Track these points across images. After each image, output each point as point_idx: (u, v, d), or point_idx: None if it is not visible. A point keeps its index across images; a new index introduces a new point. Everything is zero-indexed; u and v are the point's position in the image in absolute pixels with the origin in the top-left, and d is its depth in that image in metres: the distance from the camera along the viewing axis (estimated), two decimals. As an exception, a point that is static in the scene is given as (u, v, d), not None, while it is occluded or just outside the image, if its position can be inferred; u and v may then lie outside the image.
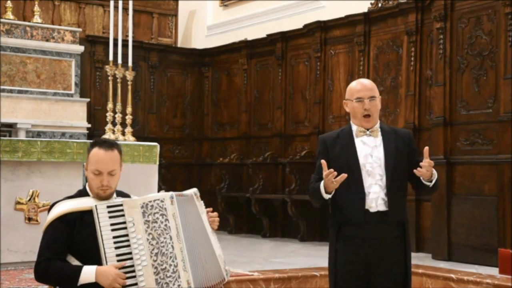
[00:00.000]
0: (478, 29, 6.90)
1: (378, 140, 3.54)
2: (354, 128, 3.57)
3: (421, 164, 3.40)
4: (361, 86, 3.56)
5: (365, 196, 3.45)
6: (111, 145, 3.24)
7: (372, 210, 3.45)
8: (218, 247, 3.34)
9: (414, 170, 3.41)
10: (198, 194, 3.38)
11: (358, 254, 3.46)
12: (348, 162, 3.45)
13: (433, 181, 3.47)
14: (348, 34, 8.74)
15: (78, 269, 3.07)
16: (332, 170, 3.32)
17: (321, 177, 3.46)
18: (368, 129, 3.55)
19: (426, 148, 3.45)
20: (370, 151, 3.51)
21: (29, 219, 5.89)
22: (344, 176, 3.32)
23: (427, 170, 3.39)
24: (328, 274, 3.64)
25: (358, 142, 3.53)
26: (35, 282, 4.93)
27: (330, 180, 3.32)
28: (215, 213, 3.42)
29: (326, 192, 3.41)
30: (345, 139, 3.55)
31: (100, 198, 3.20)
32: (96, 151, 3.20)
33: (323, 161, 3.37)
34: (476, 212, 6.76)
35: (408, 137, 3.64)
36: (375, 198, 3.46)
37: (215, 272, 3.29)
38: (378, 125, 3.58)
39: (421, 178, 3.46)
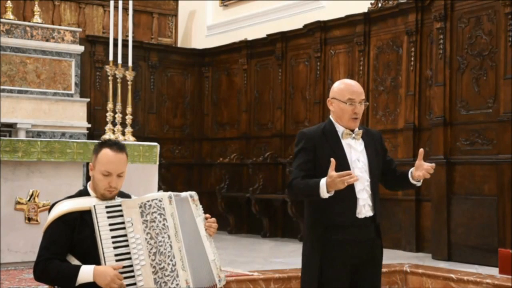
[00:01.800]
0: (478, 29, 6.90)
1: (362, 144, 3.50)
2: (340, 129, 3.49)
3: (426, 166, 3.40)
4: (354, 88, 3.48)
5: (357, 202, 3.42)
6: (121, 147, 3.25)
7: (360, 216, 3.43)
8: (213, 252, 3.31)
9: (416, 173, 3.41)
10: (196, 197, 3.35)
11: (347, 258, 3.44)
12: (340, 167, 3.32)
13: (421, 181, 3.50)
14: (348, 34, 8.73)
15: (76, 269, 3.08)
16: (350, 172, 3.23)
17: (309, 173, 3.38)
18: (353, 131, 3.49)
19: (421, 150, 3.45)
20: (358, 156, 3.47)
21: (29, 219, 5.89)
22: (357, 178, 3.25)
23: (429, 172, 3.41)
24: (305, 278, 3.53)
25: (344, 145, 3.47)
26: (35, 282, 4.94)
27: (343, 181, 3.20)
28: (213, 219, 3.39)
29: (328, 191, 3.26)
30: (333, 141, 3.46)
31: (105, 198, 3.21)
32: (106, 152, 3.20)
33: (333, 160, 3.26)
34: (476, 212, 6.76)
35: (381, 137, 3.65)
36: (363, 204, 3.44)
37: (206, 276, 3.26)
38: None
39: (410, 178, 3.48)
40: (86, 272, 3.06)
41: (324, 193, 3.28)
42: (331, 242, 3.42)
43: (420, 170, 3.43)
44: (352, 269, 3.47)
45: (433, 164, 3.45)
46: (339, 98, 3.47)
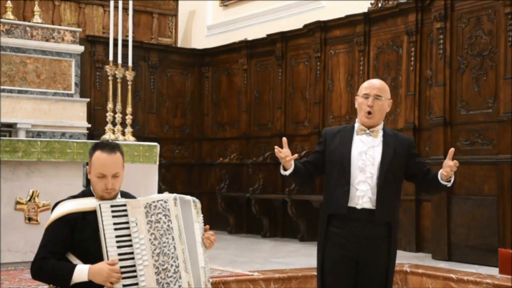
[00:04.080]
0: (478, 29, 6.90)
1: (377, 141, 3.60)
2: (356, 125, 3.64)
3: (447, 164, 3.44)
4: (370, 84, 3.66)
5: (350, 188, 3.52)
6: (113, 147, 3.23)
7: (358, 207, 3.52)
8: (204, 260, 3.29)
9: (442, 171, 3.45)
10: (199, 205, 3.35)
11: (344, 250, 3.53)
12: (341, 157, 3.55)
13: (451, 181, 3.53)
14: (348, 34, 8.73)
15: (71, 268, 3.09)
16: (277, 147, 3.48)
17: (309, 161, 3.66)
18: (369, 128, 3.58)
19: (451, 150, 3.50)
20: (366, 149, 3.57)
21: (29, 219, 5.89)
22: (294, 156, 3.50)
23: (451, 170, 3.45)
24: (316, 269, 3.71)
25: (356, 139, 3.60)
26: (35, 282, 4.94)
27: (278, 156, 3.48)
28: (212, 232, 3.38)
29: (284, 169, 3.56)
30: (345, 135, 3.63)
31: (104, 199, 3.21)
32: (98, 154, 3.20)
33: (284, 139, 3.54)
34: (476, 212, 6.76)
35: (409, 142, 3.70)
36: (362, 195, 3.52)
37: (196, 281, 3.26)
38: (381, 126, 3.64)
39: (439, 178, 3.51)
40: (81, 272, 3.07)
41: (282, 171, 3.58)
42: (332, 235, 3.57)
43: (445, 169, 3.48)
44: (354, 264, 3.54)
45: (456, 161, 3.47)
46: (358, 93, 3.67)
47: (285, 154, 3.47)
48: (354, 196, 3.52)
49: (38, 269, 3.13)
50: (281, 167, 3.55)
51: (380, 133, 3.61)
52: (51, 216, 3.21)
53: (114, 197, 3.24)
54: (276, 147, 3.50)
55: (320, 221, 3.67)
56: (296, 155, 3.53)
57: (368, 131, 3.59)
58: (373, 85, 3.63)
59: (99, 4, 10.82)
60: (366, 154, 3.55)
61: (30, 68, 9.19)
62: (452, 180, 3.54)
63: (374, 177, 3.52)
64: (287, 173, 3.54)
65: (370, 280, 3.55)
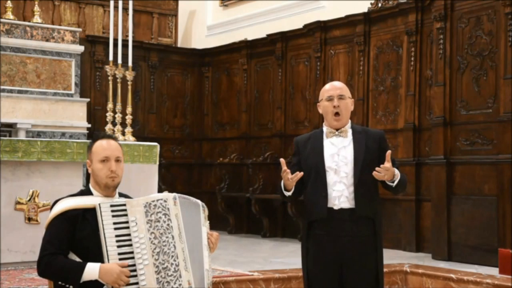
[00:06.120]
0: (478, 29, 6.90)
1: (347, 140, 3.62)
2: (325, 129, 3.66)
3: (376, 168, 3.45)
4: (331, 86, 3.71)
5: (328, 193, 3.53)
6: (111, 136, 3.39)
7: (335, 207, 3.53)
8: (208, 263, 3.30)
9: (373, 173, 3.45)
10: (207, 211, 3.39)
11: (328, 252, 3.54)
12: (315, 162, 3.57)
13: (395, 182, 3.51)
14: (348, 34, 8.74)
15: (82, 265, 3.09)
16: (285, 168, 3.48)
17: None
18: (337, 130, 3.62)
19: (388, 152, 3.49)
20: (337, 151, 3.59)
21: (29, 219, 5.89)
22: (298, 175, 3.48)
23: (384, 173, 3.45)
24: (302, 274, 3.72)
25: (327, 143, 3.62)
26: (35, 282, 4.95)
27: (285, 178, 3.49)
28: (216, 234, 3.40)
29: (286, 190, 3.59)
30: (315, 141, 3.65)
31: (108, 191, 3.24)
32: (99, 142, 3.30)
33: (281, 160, 3.54)
34: (476, 212, 6.76)
35: (379, 136, 3.69)
36: (338, 196, 3.54)
37: (199, 282, 3.27)
38: (348, 125, 3.66)
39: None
40: (92, 269, 3.07)
41: (285, 192, 3.62)
42: (314, 237, 3.59)
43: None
44: (338, 265, 3.54)
45: (385, 166, 3.45)
46: (321, 98, 3.70)
47: (290, 176, 3.49)
48: (331, 198, 3.54)
49: (47, 266, 3.11)
50: (283, 188, 3.59)
51: (349, 132, 3.63)
52: (52, 212, 3.21)
53: (117, 185, 3.27)
54: (283, 170, 3.49)
55: (303, 227, 3.70)
56: (301, 173, 3.52)
57: (337, 133, 3.62)
58: (335, 86, 3.69)
59: (99, 4, 10.82)
60: (338, 155, 3.57)
61: (30, 68, 9.19)
62: (396, 181, 3.50)
63: (349, 176, 3.54)
64: (290, 193, 3.59)
65: (359, 280, 3.54)
